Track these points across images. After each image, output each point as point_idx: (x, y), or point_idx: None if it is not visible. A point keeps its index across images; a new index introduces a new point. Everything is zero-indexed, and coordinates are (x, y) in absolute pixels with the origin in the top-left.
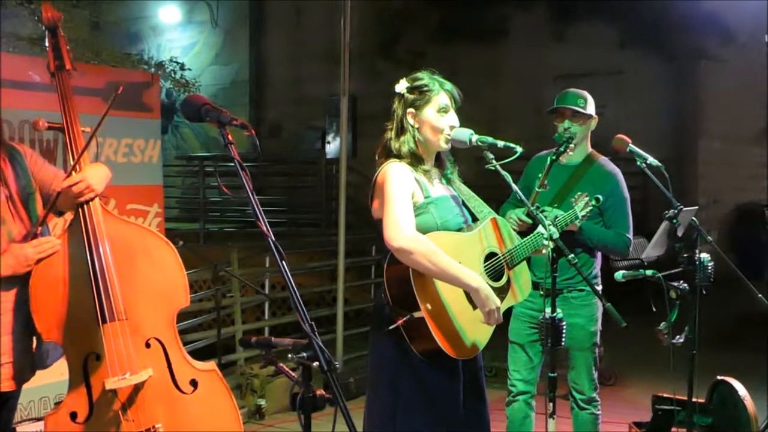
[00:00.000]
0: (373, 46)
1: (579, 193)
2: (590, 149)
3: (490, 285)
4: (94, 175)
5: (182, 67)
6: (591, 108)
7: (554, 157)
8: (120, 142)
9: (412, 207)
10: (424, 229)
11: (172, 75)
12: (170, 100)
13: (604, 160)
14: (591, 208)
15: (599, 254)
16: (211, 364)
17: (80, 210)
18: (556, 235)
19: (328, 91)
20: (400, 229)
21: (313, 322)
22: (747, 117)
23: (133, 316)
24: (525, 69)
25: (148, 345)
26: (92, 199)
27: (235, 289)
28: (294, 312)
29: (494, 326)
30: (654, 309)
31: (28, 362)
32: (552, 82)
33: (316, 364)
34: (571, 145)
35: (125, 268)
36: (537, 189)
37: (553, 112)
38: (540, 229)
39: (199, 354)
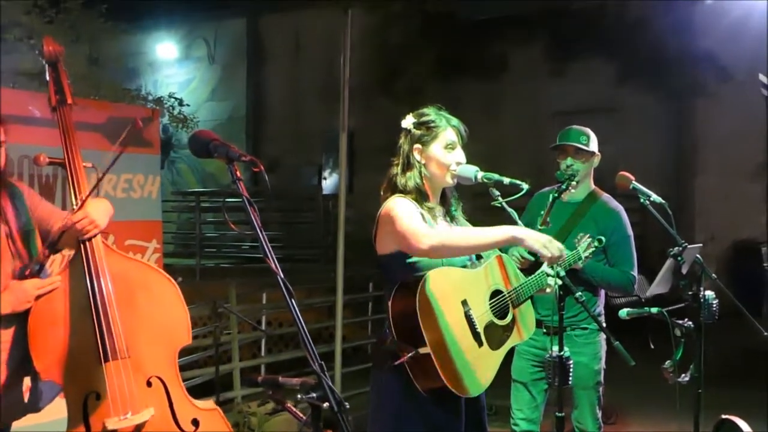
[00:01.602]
0: (371, 81)
1: (581, 234)
2: (593, 186)
3: (494, 323)
4: (98, 211)
5: (181, 102)
6: (594, 145)
7: (557, 195)
8: (119, 178)
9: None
10: (427, 266)
11: (171, 110)
12: (167, 136)
13: (607, 198)
14: (594, 249)
15: (602, 292)
16: (212, 403)
17: (82, 246)
18: (562, 273)
19: (325, 127)
20: (420, 233)
21: (322, 362)
22: (744, 154)
23: (135, 354)
24: (524, 105)
25: (149, 384)
26: (95, 236)
27: (233, 325)
28: (302, 349)
29: (499, 363)
30: (652, 346)
31: (17, 401)
32: (551, 119)
33: (326, 404)
34: (574, 183)
35: (127, 305)
36: (539, 226)
37: (555, 149)
38: (544, 267)
39: (195, 391)
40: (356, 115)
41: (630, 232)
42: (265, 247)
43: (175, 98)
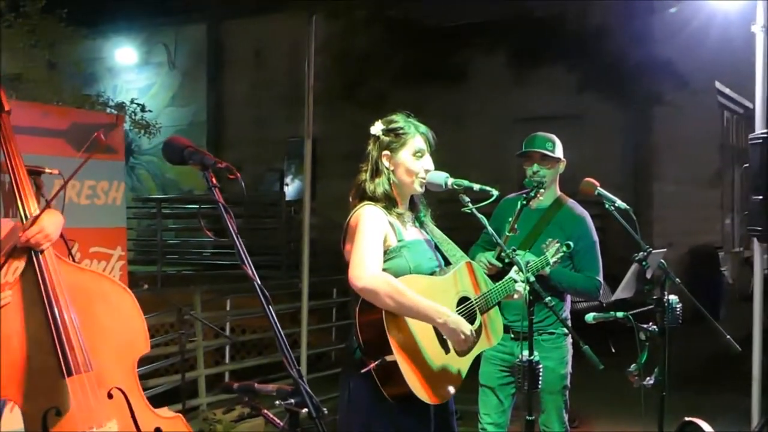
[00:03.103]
0: (334, 88)
1: (550, 240)
2: (559, 192)
3: None
4: (51, 224)
5: (143, 108)
6: (559, 151)
7: (525, 202)
8: (83, 184)
9: (381, 248)
10: (396, 273)
11: (133, 116)
12: (127, 141)
13: (572, 204)
14: (562, 254)
15: (568, 297)
16: (174, 412)
17: (34, 258)
18: (532, 279)
19: (287, 133)
20: (364, 269)
21: (300, 368)
22: (701, 161)
23: (96, 366)
24: (486, 112)
25: (110, 396)
26: (47, 248)
27: (198, 332)
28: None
29: (466, 370)
30: (613, 350)
31: None
32: (513, 126)
33: (304, 410)
34: (542, 190)
35: (84, 316)
36: (507, 233)
37: (521, 156)
38: (512, 273)
39: (160, 399)
40: (319, 121)
41: (596, 238)
42: (242, 254)
43: (137, 104)
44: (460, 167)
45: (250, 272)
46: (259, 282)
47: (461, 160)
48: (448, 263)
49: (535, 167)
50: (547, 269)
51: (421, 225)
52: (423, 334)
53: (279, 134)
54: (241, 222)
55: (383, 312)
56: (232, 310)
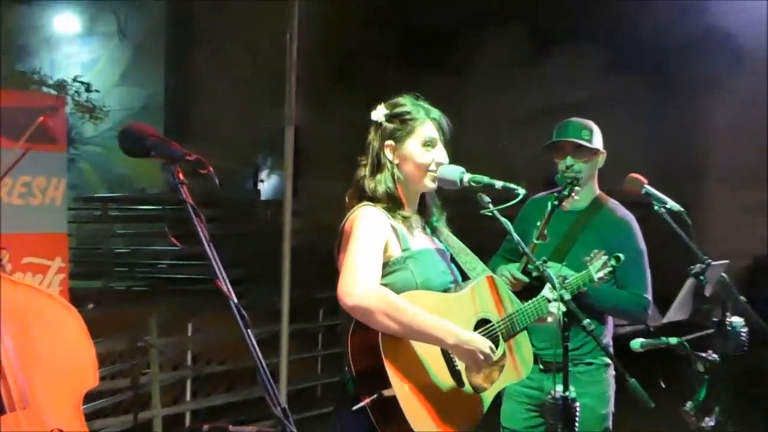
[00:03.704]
0: (319, 70)
1: (596, 251)
2: (597, 191)
3: None
4: None
5: (88, 88)
6: (598, 141)
7: (556, 203)
8: (16, 181)
9: (379, 259)
10: (399, 290)
11: (75, 97)
12: (67, 128)
13: (614, 205)
14: (609, 269)
15: (610, 320)
16: None
17: None
18: (567, 297)
19: (264, 120)
20: (356, 284)
21: (286, 406)
22: (758, 155)
23: (34, 403)
24: (498, 99)
25: None
26: None
27: (153, 363)
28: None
29: (485, 409)
30: (664, 385)
31: None
32: (529, 115)
33: None
34: (577, 188)
35: (19, 342)
36: (535, 240)
37: (550, 148)
38: (546, 291)
39: None
40: (303, 106)
41: (642, 246)
42: (216, 265)
43: (81, 82)
44: (466, 163)
45: (225, 288)
46: (235, 300)
47: (467, 156)
48: (466, 278)
49: (569, 161)
50: (586, 288)
51: (433, 231)
52: (430, 360)
53: (252, 122)
54: (209, 226)
55: (379, 335)
56: (195, 335)
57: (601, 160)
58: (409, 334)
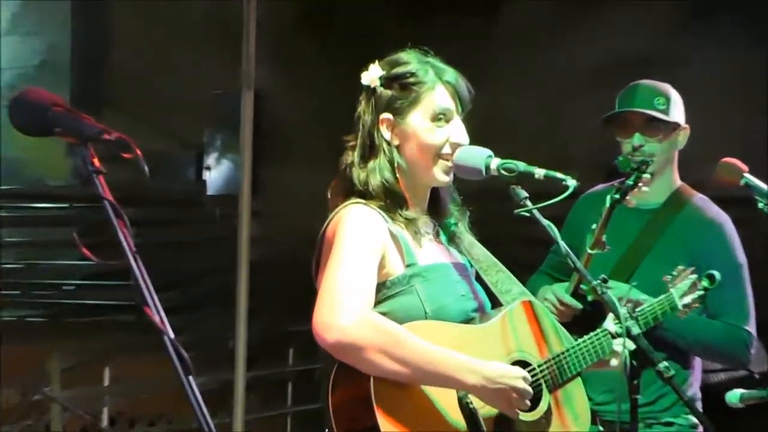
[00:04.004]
0: (288, 15)
1: (681, 267)
2: (678, 182)
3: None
4: None
5: None
6: (678, 112)
7: (618, 197)
8: None
9: (372, 277)
10: (402, 320)
11: None
12: None
13: (702, 201)
14: (700, 293)
15: (697, 362)
16: None
17: None
18: (638, 331)
19: (211, 85)
20: (339, 311)
21: None
22: None
23: None
24: (532, 59)
25: None
26: None
27: (55, 422)
28: None
29: None
30: None
31: None
32: (580, 77)
33: None
34: (646, 176)
35: None
36: (590, 250)
37: (610, 122)
38: (608, 323)
39: None
40: (265, 67)
41: (742, 258)
42: (144, 286)
43: None
44: (494, 143)
45: (157, 319)
46: (171, 335)
47: (495, 134)
48: (497, 305)
49: (637, 139)
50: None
51: (450, 239)
52: (443, 411)
53: (197, 85)
54: (134, 231)
55: (371, 383)
56: (114, 385)
57: (683, 138)
58: (416, 375)
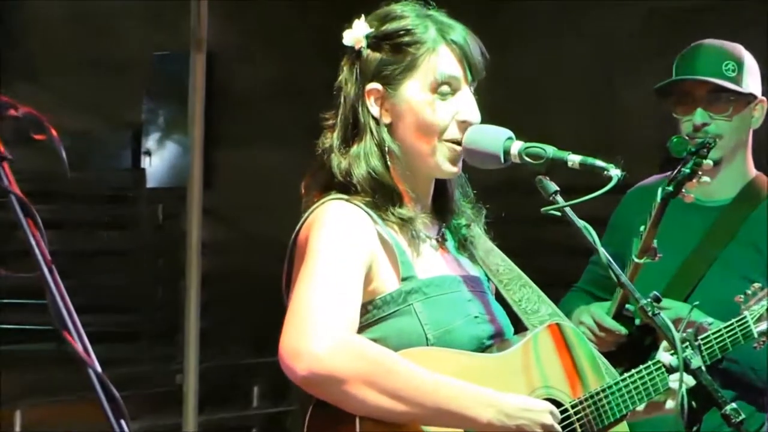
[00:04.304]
0: None
1: (758, 285)
2: (753, 172)
3: None
4: None
5: None
6: (753, 80)
7: (671, 190)
8: None
9: (356, 292)
10: (397, 347)
11: None
12: None
13: None
14: None
15: None
16: None
17: None
18: (699, 363)
19: (151, 46)
20: (312, 335)
21: None
22: None
23: None
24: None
25: None
26: None
27: None
28: None
29: None
30: None
31: None
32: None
33: None
34: (708, 162)
35: None
36: (636, 259)
37: (664, 93)
38: (661, 354)
39: None
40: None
41: None
42: (62, 304)
43: None
44: (516, 130)
45: (80, 347)
46: (98, 368)
47: (525, 109)
48: (522, 329)
49: (699, 116)
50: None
51: (461, 246)
52: None
53: (132, 45)
54: (54, 237)
55: (357, 424)
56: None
57: (760, 114)
58: (414, 412)
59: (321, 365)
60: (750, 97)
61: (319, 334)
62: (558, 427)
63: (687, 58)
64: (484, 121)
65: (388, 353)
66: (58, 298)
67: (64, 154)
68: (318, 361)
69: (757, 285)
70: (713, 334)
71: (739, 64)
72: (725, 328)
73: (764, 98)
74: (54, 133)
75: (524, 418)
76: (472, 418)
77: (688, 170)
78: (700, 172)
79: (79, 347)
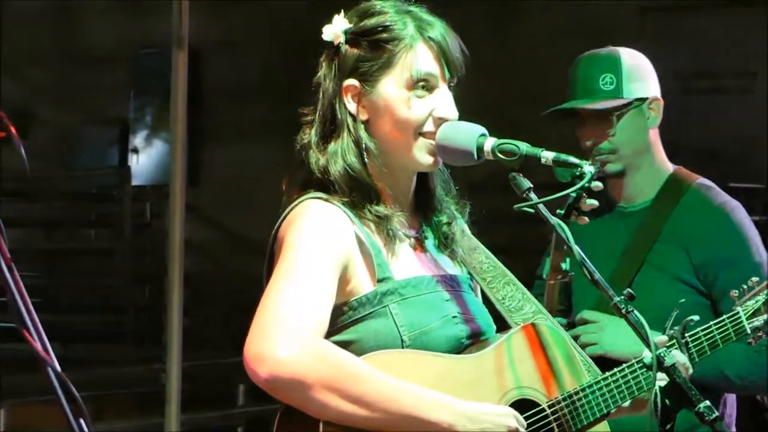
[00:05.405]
0: None
1: (755, 279)
2: (669, 167)
3: None
4: None
5: None
6: (637, 84)
7: (562, 214)
8: None
9: (328, 293)
10: (373, 349)
11: None
12: None
13: (703, 186)
14: None
15: (730, 399)
16: None
17: None
18: (676, 360)
19: (133, 42)
20: (275, 338)
21: None
22: None
23: None
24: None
25: None
26: None
27: None
28: None
29: None
30: None
31: None
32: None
33: None
34: (597, 185)
35: None
36: (548, 280)
37: (554, 117)
38: (645, 352)
39: None
40: (202, 17)
41: (763, 255)
42: (20, 304)
43: None
44: (509, 118)
45: (38, 346)
46: (57, 368)
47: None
48: (506, 327)
49: (587, 138)
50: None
51: (442, 244)
52: None
53: (113, 40)
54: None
55: (320, 428)
56: None
57: (656, 114)
58: (376, 418)
59: (284, 369)
60: (635, 102)
61: (283, 338)
62: (523, 431)
63: (570, 81)
64: (475, 118)
65: (353, 359)
66: (18, 297)
67: (24, 154)
68: (281, 366)
69: (755, 279)
70: (702, 330)
71: (617, 74)
72: (715, 324)
73: (657, 96)
74: (13, 130)
75: (487, 422)
76: (433, 422)
77: (574, 194)
78: (584, 195)
79: (38, 346)
